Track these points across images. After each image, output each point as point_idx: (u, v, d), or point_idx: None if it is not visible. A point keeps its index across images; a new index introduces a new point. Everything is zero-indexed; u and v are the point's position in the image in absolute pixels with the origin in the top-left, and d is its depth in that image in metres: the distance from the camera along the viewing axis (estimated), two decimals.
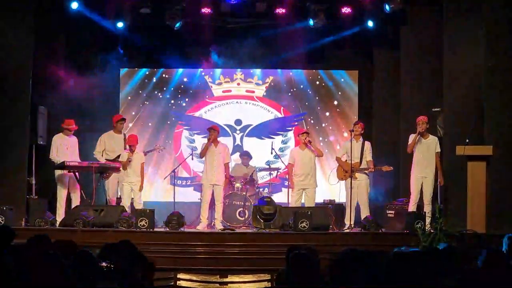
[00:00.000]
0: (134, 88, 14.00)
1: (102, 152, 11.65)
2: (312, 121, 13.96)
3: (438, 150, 10.65)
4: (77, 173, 11.16)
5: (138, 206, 10.98)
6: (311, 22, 12.63)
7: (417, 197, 10.69)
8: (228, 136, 13.78)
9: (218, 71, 14.05)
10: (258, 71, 14.06)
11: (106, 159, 11.58)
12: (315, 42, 13.29)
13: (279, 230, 10.57)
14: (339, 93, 14.04)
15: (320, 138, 13.87)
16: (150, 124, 13.91)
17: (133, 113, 13.84)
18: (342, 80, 14.06)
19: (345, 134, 13.43)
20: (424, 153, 10.67)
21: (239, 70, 14.02)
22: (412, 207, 10.67)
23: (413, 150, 10.74)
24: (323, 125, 13.97)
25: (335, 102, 14.02)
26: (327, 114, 14.01)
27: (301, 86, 14.06)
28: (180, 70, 14.10)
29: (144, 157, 11.48)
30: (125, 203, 11.06)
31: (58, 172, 11.24)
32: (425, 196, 10.63)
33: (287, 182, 12.21)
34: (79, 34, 12.83)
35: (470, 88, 10.69)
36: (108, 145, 11.64)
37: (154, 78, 14.07)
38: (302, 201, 11.40)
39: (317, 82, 14.07)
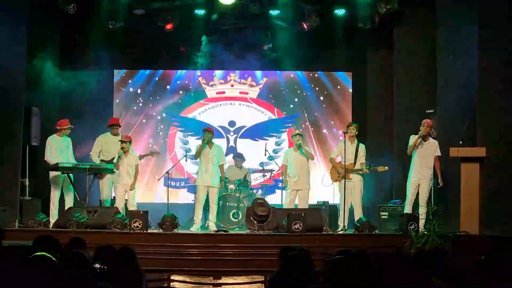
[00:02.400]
0: (128, 90, 14.00)
1: (98, 153, 11.64)
2: (306, 122, 13.96)
3: (439, 154, 10.60)
4: (70, 174, 11.15)
5: (132, 207, 10.95)
6: (304, 23, 12.62)
7: (413, 198, 10.69)
8: (222, 138, 13.78)
9: (212, 72, 14.05)
10: (251, 73, 14.06)
11: (101, 160, 11.57)
12: (309, 43, 13.28)
13: (272, 232, 10.58)
14: (334, 94, 14.05)
15: (315, 139, 13.88)
16: (144, 125, 13.90)
17: (128, 114, 13.84)
18: (337, 81, 14.07)
19: (340, 134, 13.45)
20: (423, 156, 10.64)
21: (233, 71, 14.02)
22: (407, 209, 10.68)
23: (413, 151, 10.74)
24: (318, 126, 13.98)
25: (330, 103, 14.03)
26: (322, 115, 14.02)
27: (295, 87, 14.07)
28: (174, 72, 14.10)
29: (139, 159, 11.44)
30: (119, 204, 11.04)
31: (52, 174, 11.21)
32: (420, 198, 10.62)
33: (280, 184, 12.20)
34: (73, 34, 12.82)
35: (463, 90, 10.68)
36: (104, 147, 11.63)
37: (148, 80, 14.06)
38: (296, 202, 11.40)
39: (311, 83, 14.08)
